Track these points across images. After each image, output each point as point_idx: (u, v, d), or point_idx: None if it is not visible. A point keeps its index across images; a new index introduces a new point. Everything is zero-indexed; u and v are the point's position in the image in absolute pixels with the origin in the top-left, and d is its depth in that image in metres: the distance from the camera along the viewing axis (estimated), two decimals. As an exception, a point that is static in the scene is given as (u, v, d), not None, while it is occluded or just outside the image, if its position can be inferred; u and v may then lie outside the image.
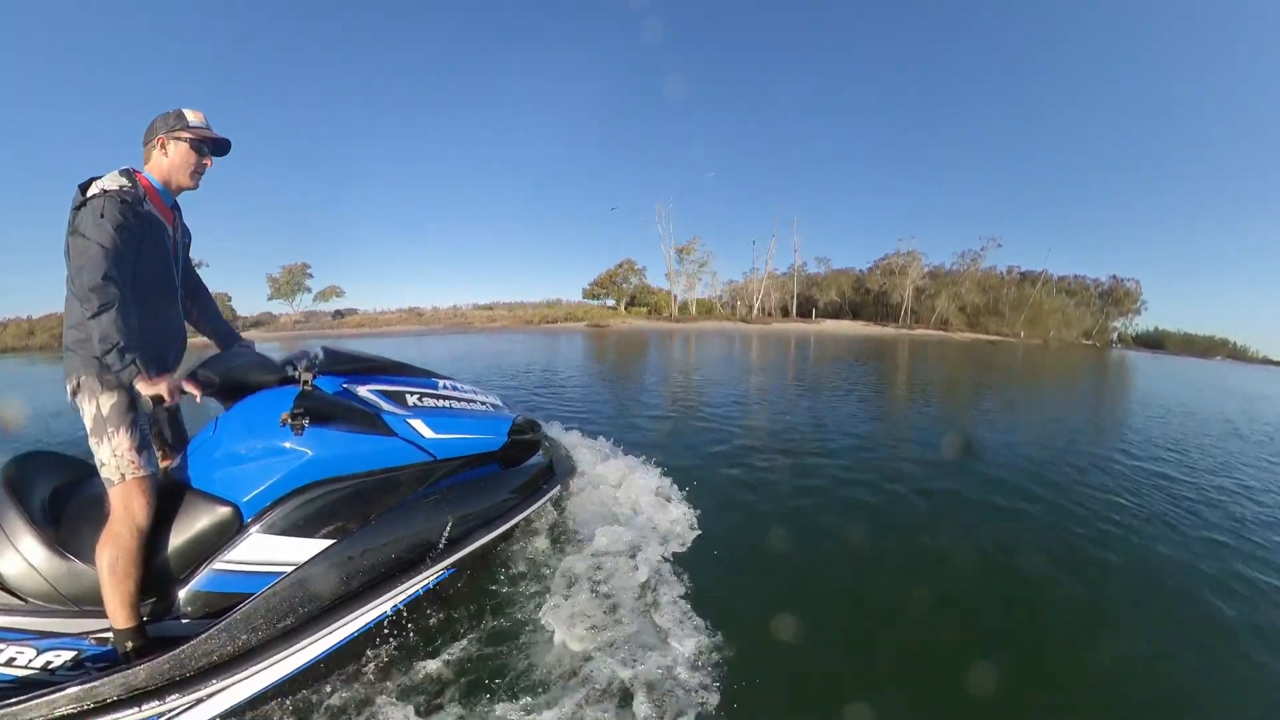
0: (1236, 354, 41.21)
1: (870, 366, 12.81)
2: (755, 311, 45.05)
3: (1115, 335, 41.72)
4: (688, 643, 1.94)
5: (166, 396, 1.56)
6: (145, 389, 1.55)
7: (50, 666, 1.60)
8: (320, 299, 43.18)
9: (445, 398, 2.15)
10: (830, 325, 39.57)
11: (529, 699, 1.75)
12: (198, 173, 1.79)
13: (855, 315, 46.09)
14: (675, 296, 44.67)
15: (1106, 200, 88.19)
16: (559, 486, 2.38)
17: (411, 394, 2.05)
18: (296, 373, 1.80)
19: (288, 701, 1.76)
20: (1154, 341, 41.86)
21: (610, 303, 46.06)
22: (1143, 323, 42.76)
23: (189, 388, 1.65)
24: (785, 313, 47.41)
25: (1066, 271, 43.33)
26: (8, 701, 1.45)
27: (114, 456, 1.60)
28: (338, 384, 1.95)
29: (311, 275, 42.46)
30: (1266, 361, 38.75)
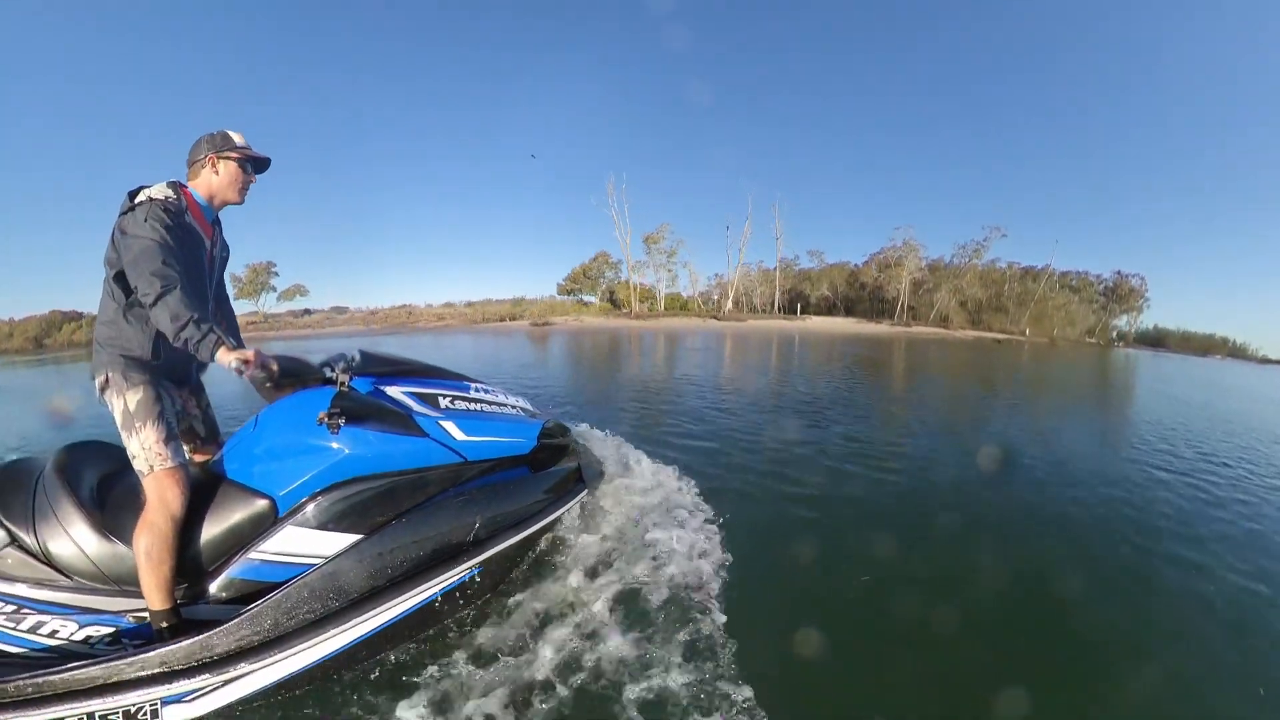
0: (1236, 352, 43.45)
1: (852, 380, 10.44)
2: (729, 306, 44.70)
3: (1115, 333, 43.39)
4: (704, 656, 2.07)
5: (251, 359, 1.76)
6: (228, 357, 1.74)
7: (89, 640, 1.82)
8: (284, 298, 44.70)
9: (477, 401, 2.35)
10: (817, 322, 39.10)
11: (546, 703, 1.90)
12: (244, 189, 2.04)
13: (849, 311, 46.50)
14: (637, 289, 44.19)
15: (1106, 193, 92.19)
16: (587, 491, 2.56)
17: (444, 396, 2.26)
18: (334, 374, 2.01)
19: (311, 690, 1.94)
20: (1154, 340, 43.82)
21: (592, 298, 46.21)
22: (1144, 320, 44.59)
23: (271, 362, 1.85)
24: (776, 307, 47.83)
25: (1067, 267, 44.63)
26: (49, 670, 1.67)
27: (143, 449, 1.81)
28: (373, 385, 2.16)
29: (277, 274, 43.77)
30: (1265, 360, 41.03)
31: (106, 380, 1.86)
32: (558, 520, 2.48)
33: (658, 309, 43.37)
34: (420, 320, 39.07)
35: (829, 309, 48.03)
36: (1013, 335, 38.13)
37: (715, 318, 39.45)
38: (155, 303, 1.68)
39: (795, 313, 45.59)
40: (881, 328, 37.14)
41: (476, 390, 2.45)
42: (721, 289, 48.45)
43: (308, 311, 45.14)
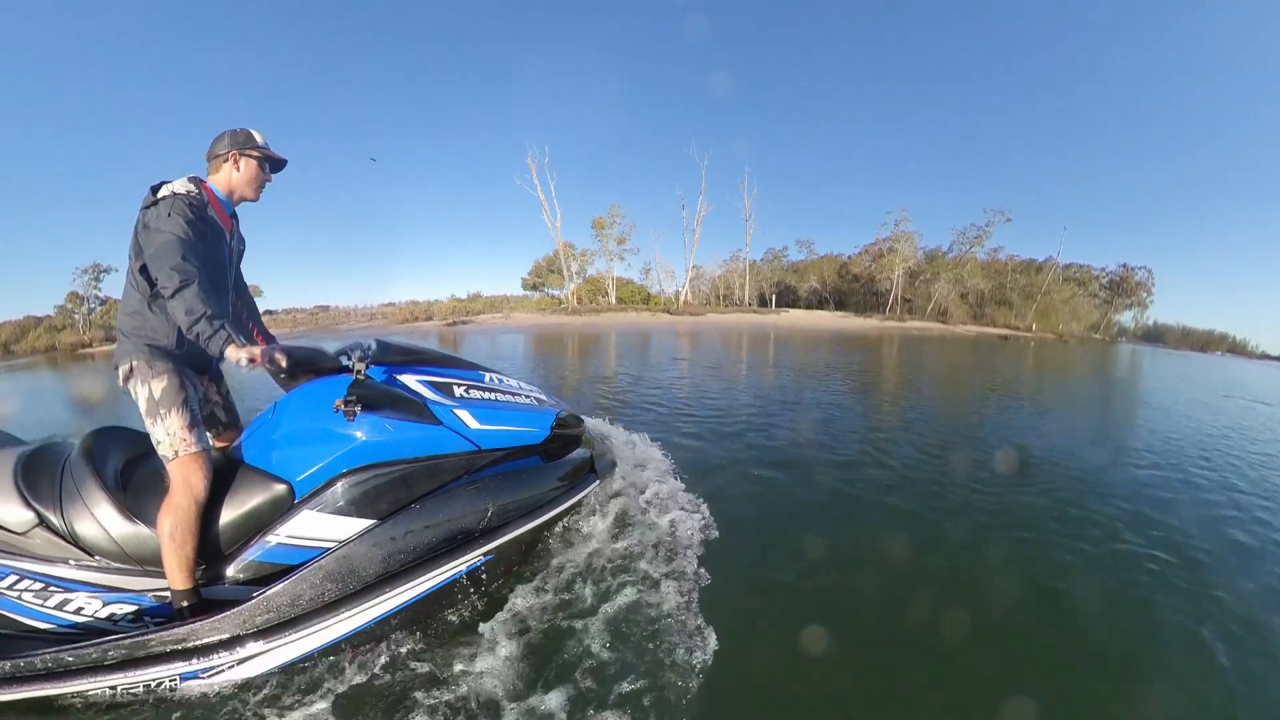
0: (1236, 348, 45.93)
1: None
2: (685, 296, 44.66)
3: (1117, 329, 44.99)
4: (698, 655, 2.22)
5: (259, 358, 1.97)
6: (236, 354, 1.95)
7: (113, 617, 2.07)
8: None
9: (491, 390, 2.56)
10: (796, 317, 38.35)
11: (551, 690, 2.03)
12: (261, 188, 2.30)
13: (840, 305, 47.08)
14: (572, 279, 43.77)
15: (1106, 188, 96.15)
16: (598, 482, 2.79)
17: (459, 385, 2.47)
18: (350, 362, 2.21)
19: (322, 671, 2.14)
20: (1154, 335, 45.79)
21: (558, 292, 46.30)
22: (1148, 314, 46.31)
23: (278, 356, 2.04)
24: (764, 302, 48.27)
25: (1068, 260, 45.49)
26: (74, 645, 1.92)
27: (167, 435, 2.05)
28: (388, 374, 2.38)
29: (238, 274, 45.28)
30: (1265, 357, 43.48)
31: (131, 369, 2.08)
32: (569, 510, 2.71)
33: (604, 303, 42.35)
34: (350, 320, 39.93)
35: (819, 303, 48.62)
36: (1018, 331, 38.54)
37: (669, 312, 38.83)
38: (173, 296, 1.90)
39: (771, 305, 45.47)
40: (870, 323, 36.64)
41: (491, 379, 2.67)
42: (714, 285, 48.20)
43: (269, 312, 45.95)
